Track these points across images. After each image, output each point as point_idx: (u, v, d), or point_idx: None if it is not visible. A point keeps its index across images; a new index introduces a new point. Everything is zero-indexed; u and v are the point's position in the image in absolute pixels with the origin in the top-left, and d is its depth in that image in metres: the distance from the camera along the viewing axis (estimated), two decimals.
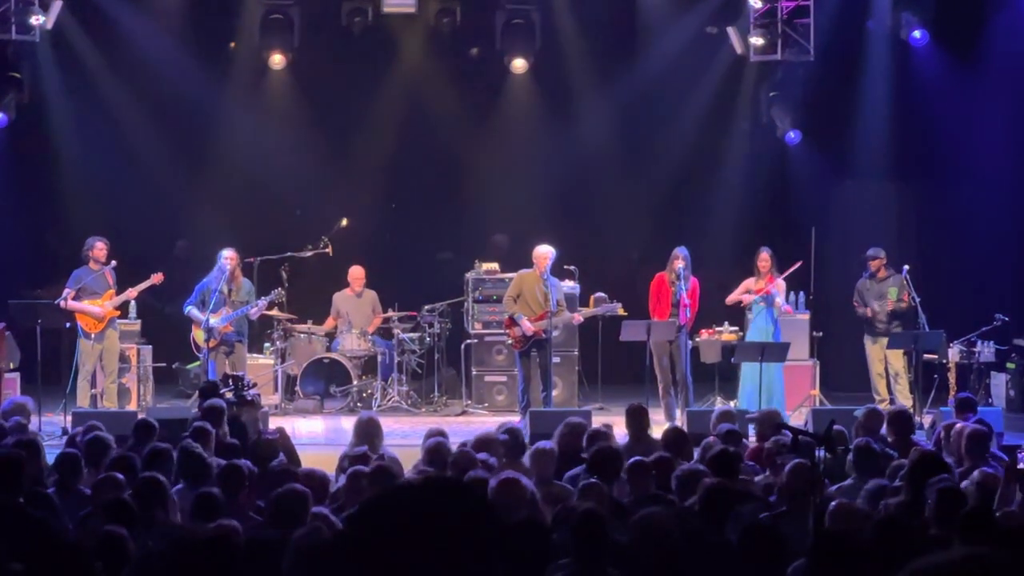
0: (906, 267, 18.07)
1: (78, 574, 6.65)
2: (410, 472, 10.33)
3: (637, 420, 12.45)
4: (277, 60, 20.01)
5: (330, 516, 8.04)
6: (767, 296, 18.11)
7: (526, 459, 10.76)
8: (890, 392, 18.10)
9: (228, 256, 17.74)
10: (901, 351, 17.92)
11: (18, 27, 18.90)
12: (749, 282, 18.26)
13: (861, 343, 18.50)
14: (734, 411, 14.02)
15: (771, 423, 12.25)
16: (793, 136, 20.13)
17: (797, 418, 16.98)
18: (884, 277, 18.20)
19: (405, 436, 16.25)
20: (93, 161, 20.56)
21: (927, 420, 16.08)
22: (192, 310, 17.70)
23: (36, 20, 18.89)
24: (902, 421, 12.28)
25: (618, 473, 9.73)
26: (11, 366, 17.79)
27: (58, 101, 20.16)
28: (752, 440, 12.98)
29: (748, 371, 17.59)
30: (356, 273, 19.44)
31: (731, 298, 18.34)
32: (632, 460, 9.80)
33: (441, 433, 11.46)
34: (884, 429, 12.17)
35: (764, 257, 18.18)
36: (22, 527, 7.51)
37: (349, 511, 8.16)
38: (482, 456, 10.47)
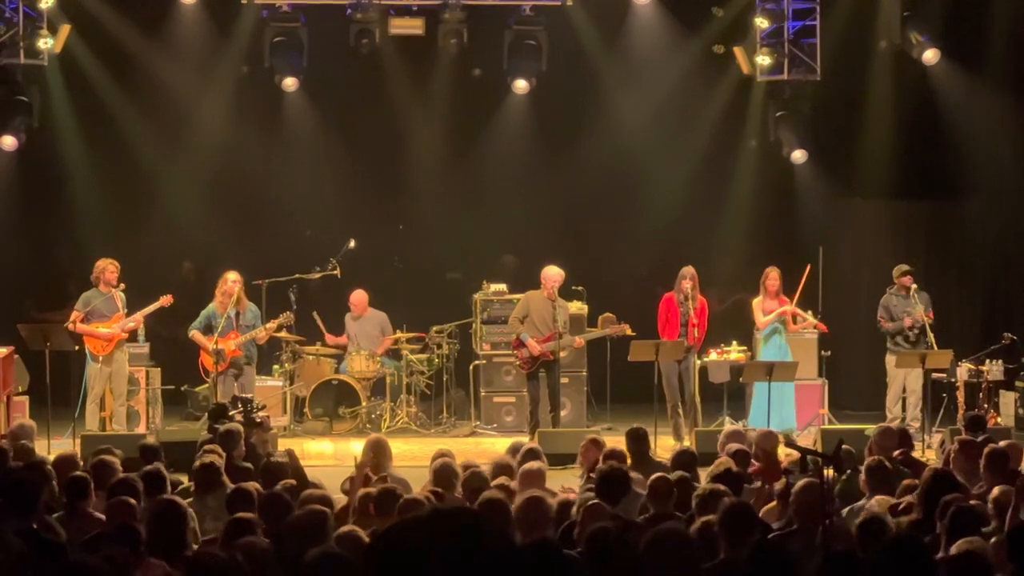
0: (914, 285, 18.06)
1: None
2: (418, 493, 10.32)
3: (638, 443, 12.51)
4: (289, 83, 20.01)
5: (361, 535, 8.04)
6: (781, 317, 18.12)
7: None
8: (904, 410, 18.05)
9: (231, 279, 17.74)
10: (919, 370, 17.85)
11: (27, 51, 18.98)
12: (758, 302, 18.23)
13: (869, 361, 18.44)
14: (743, 431, 14.02)
15: (770, 443, 12.30)
16: (799, 155, 20.12)
17: (807, 437, 16.97)
18: (909, 293, 18.10)
19: (414, 457, 16.25)
20: (102, 184, 20.60)
21: (936, 439, 16.06)
22: (196, 334, 17.71)
23: (44, 44, 18.96)
24: (902, 440, 12.33)
25: (624, 493, 9.71)
26: (20, 389, 17.79)
27: (67, 124, 20.19)
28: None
29: (759, 391, 17.57)
30: (356, 298, 19.44)
31: (764, 323, 18.26)
32: (655, 477, 9.80)
33: (448, 454, 11.48)
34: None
35: (773, 277, 18.17)
36: (39, 552, 7.51)
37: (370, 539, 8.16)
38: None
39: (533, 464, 10.84)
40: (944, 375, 18.31)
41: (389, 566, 3.65)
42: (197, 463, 10.52)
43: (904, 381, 18.02)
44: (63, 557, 7.78)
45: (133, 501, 9.17)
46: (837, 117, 20.73)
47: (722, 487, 9.61)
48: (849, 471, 10.87)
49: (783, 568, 7.26)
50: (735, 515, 8.02)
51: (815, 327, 18.43)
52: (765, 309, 18.20)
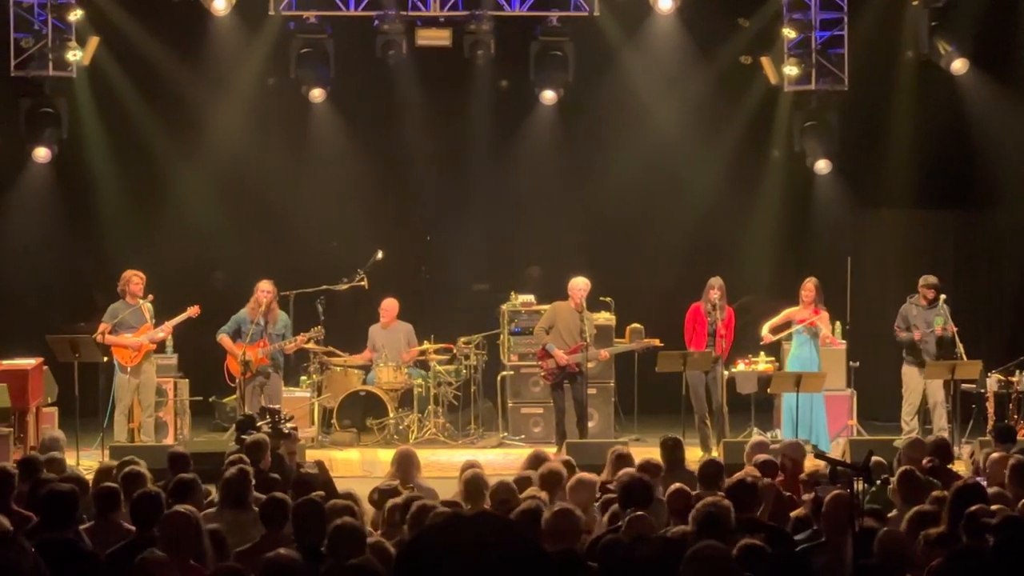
0: (943, 296, 17.98)
1: None
2: (446, 504, 10.32)
3: (672, 452, 12.45)
4: (316, 94, 20.06)
5: (387, 545, 8.05)
6: (812, 328, 18.08)
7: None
8: (926, 423, 17.98)
9: (265, 289, 17.80)
10: (942, 381, 17.80)
11: (55, 63, 19.08)
12: (792, 312, 18.19)
13: (897, 372, 18.39)
14: (770, 442, 14.00)
15: (796, 453, 12.27)
16: (824, 165, 20.11)
17: (835, 448, 16.92)
18: (930, 305, 18.03)
19: (442, 468, 16.25)
20: (129, 195, 20.69)
21: (966, 451, 15.99)
22: (224, 338, 17.77)
23: (73, 56, 19.05)
24: (943, 451, 12.25)
25: (647, 503, 9.69)
26: (49, 400, 17.84)
27: (95, 136, 20.27)
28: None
29: (788, 401, 17.53)
30: (387, 305, 19.45)
31: (773, 324, 18.23)
32: (673, 490, 9.78)
33: (477, 465, 11.48)
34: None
35: (809, 287, 18.12)
36: (76, 563, 7.55)
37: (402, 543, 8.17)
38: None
39: (584, 475, 10.84)
40: (973, 386, 18.23)
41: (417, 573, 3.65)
42: (225, 475, 10.52)
43: (924, 392, 17.96)
44: (96, 566, 7.82)
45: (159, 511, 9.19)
46: (864, 126, 20.69)
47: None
48: (879, 482, 10.84)
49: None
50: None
51: (829, 341, 18.34)
52: (796, 319, 18.16)
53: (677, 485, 10.06)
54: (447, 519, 4.24)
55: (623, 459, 11.83)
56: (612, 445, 14.39)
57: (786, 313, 18.27)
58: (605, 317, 18.72)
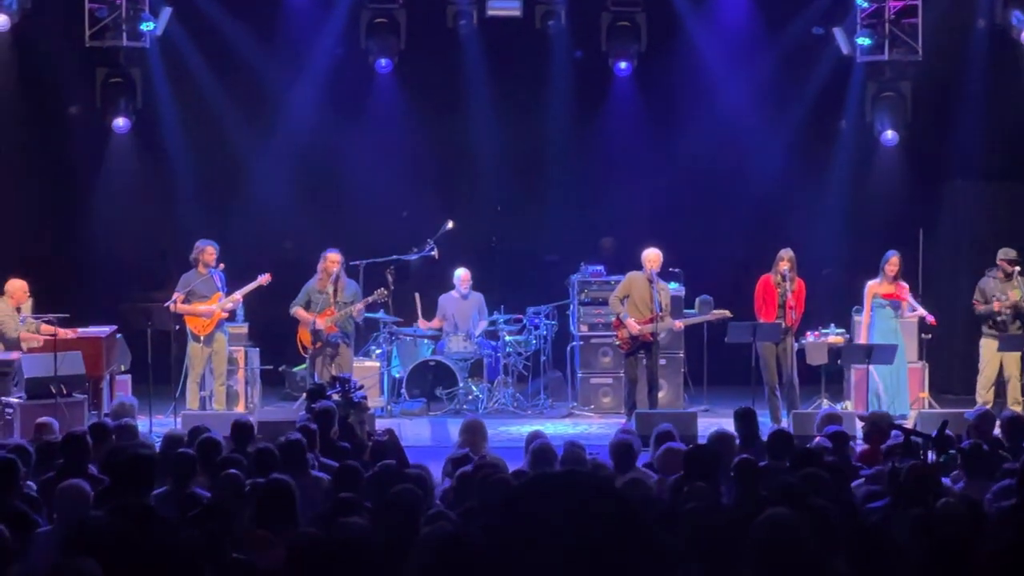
0: (1017, 268, 17.81)
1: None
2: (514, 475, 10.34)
3: (746, 423, 12.40)
4: (384, 64, 20.11)
5: (449, 514, 8.08)
6: (894, 301, 18.00)
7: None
8: (1000, 396, 17.84)
9: (331, 258, 17.88)
10: (1019, 354, 17.66)
11: (129, 34, 19.20)
12: (873, 285, 18.10)
13: (969, 345, 18.27)
14: (840, 413, 13.95)
15: (882, 425, 12.20)
16: (891, 137, 19.99)
17: (907, 421, 16.83)
18: (1008, 278, 17.87)
19: (511, 439, 16.30)
20: (201, 165, 20.80)
21: None
22: (299, 310, 17.87)
23: (147, 26, 19.17)
24: (1017, 426, 12.13)
25: (712, 475, 9.69)
26: (122, 368, 18.02)
27: (167, 106, 20.39)
28: (860, 443, 12.89)
29: (876, 372, 17.51)
30: (462, 274, 19.51)
31: (866, 312, 18.21)
32: (739, 460, 9.77)
33: (543, 435, 11.50)
34: (997, 432, 12.04)
35: (894, 261, 18.04)
36: (153, 529, 7.62)
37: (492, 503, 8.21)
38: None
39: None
40: None
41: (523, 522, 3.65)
42: (282, 440, 10.56)
43: (1000, 366, 17.81)
44: (169, 532, 7.88)
45: (240, 478, 9.28)
46: (936, 97, 20.51)
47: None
48: (950, 453, 10.78)
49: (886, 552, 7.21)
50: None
51: (924, 319, 18.26)
52: (880, 293, 18.07)
53: (745, 456, 10.04)
54: (538, 477, 4.25)
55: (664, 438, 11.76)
56: (681, 415, 14.43)
57: (869, 288, 18.16)
58: (675, 288, 18.68)
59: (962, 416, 13.34)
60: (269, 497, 8.47)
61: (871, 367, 17.73)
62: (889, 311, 18.11)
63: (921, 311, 18.18)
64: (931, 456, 9.55)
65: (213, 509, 8.34)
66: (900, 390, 17.81)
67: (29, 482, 9.93)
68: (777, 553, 6.58)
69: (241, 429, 11.61)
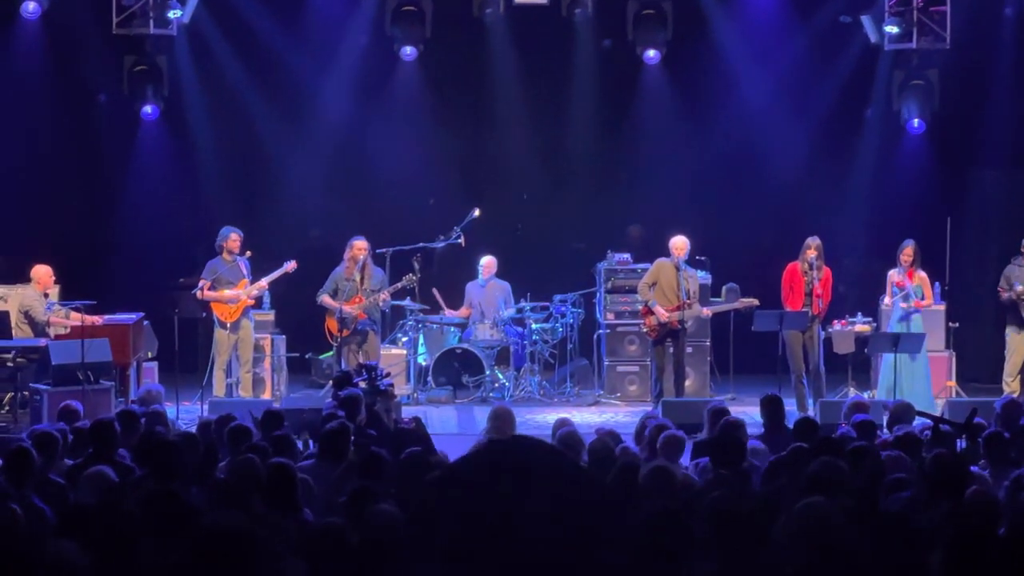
0: None
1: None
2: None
3: (772, 410, 12.37)
4: (409, 52, 20.13)
5: None
6: (901, 288, 17.93)
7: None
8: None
9: (358, 246, 17.90)
10: None
11: (156, 21, 19.24)
12: (892, 274, 18.06)
13: (997, 334, 18.22)
14: (867, 402, 13.90)
15: (906, 414, 12.17)
16: (917, 125, 19.94)
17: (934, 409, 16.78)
18: None
19: (537, 426, 16.32)
20: (227, 152, 20.86)
21: None
22: (326, 298, 17.90)
23: (174, 14, 19.21)
24: None
25: (741, 462, 9.68)
26: (149, 355, 18.08)
27: (194, 94, 20.45)
28: (885, 431, 12.86)
29: (887, 361, 17.39)
30: (486, 262, 19.51)
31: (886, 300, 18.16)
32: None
33: (570, 423, 11.49)
34: None
35: (908, 251, 17.95)
36: (182, 515, 7.63)
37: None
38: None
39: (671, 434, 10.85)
40: None
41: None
42: (325, 428, 10.60)
43: None
44: (197, 518, 7.90)
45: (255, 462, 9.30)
46: (964, 85, 20.45)
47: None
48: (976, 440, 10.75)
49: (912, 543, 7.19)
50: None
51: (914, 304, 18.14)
52: (897, 282, 18.02)
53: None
54: (485, 445, 4.27)
55: (719, 414, 11.78)
56: (708, 403, 14.37)
57: (889, 278, 18.11)
58: (701, 275, 18.65)
59: (990, 405, 13.29)
60: (270, 481, 8.49)
61: (882, 358, 17.62)
62: (899, 299, 18.04)
63: (917, 301, 17.99)
64: (960, 444, 9.52)
65: (230, 492, 8.37)
66: (919, 377, 17.65)
67: (65, 461, 10.05)
68: (813, 541, 6.57)
69: (271, 417, 11.65)
